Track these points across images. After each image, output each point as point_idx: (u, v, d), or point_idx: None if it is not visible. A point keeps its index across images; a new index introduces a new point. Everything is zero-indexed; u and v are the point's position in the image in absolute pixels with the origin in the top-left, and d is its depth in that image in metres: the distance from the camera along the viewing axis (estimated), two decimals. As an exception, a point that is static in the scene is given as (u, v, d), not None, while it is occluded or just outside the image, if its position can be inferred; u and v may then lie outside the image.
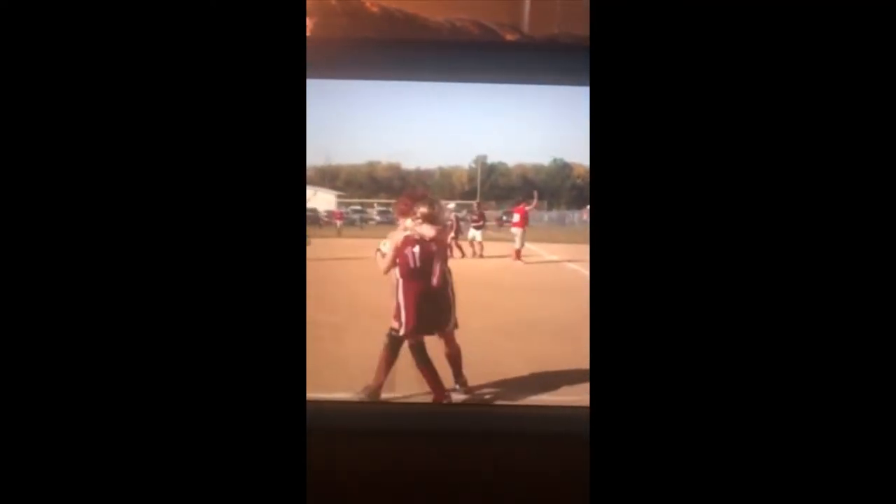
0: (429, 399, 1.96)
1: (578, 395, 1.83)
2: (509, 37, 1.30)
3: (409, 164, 5.23)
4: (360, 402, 1.51)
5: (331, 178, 5.12)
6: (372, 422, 1.42)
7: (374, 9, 1.32)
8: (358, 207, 5.17)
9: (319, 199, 4.79)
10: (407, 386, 2.01)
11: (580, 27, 1.18)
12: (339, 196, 5.05)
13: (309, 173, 5.04)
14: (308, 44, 0.83)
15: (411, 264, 1.99)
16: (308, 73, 0.84)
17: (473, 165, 4.99)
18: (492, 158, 4.95)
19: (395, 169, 5.35)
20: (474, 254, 4.64)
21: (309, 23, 1.29)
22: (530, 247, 4.50)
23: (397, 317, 2.00)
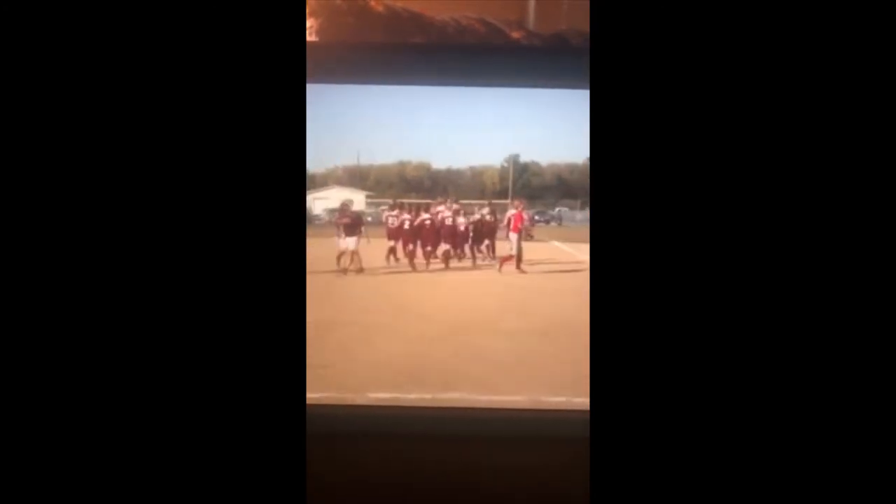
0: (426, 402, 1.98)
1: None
2: (515, 34, 1.28)
3: (439, 163, 5.22)
4: (359, 406, 1.51)
5: (361, 178, 5.14)
6: (371, 425, 1.41)
7: (380, 8, 1.32)
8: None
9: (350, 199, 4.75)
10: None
11: (587, 23, 1.15)
12: (368, 196, 5.07)
13: (338, 173, 5.12)
14: (327, 49, 0.82)
15: None
16: (333, 78, 0.83)
17: (505, 165, 4.93)
18: (524, 157, 4.91)
19: (425, 168, 5.35)
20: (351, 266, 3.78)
21: (314, 22, 1.29)
22: (560, 246, 4.36)
23: None
